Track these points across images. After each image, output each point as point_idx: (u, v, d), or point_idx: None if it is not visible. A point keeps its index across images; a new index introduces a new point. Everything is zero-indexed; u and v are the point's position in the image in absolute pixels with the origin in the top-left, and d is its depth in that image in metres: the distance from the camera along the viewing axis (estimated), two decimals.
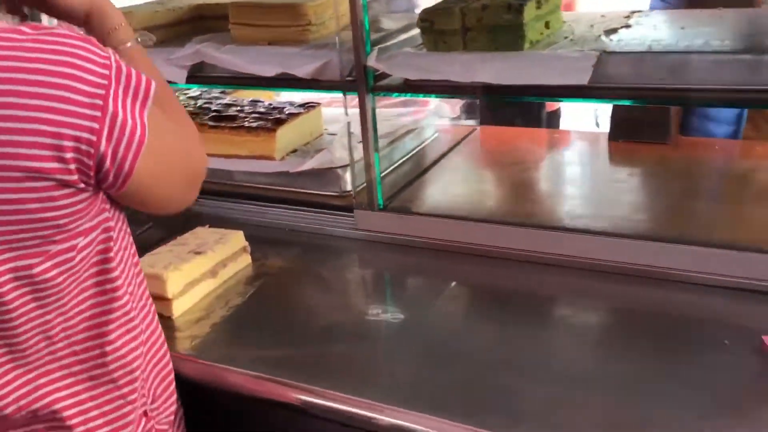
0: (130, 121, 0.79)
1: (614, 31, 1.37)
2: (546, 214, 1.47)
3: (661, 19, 1.45)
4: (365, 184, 1.47)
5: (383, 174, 1.64)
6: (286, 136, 1.67)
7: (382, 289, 1.38)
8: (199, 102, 1.88)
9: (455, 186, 1.68)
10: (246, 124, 1.68)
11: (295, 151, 1.71)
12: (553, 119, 2.68)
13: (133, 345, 0.93)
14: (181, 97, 1.94)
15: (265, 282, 1.36)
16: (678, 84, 1.15)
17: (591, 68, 1.18)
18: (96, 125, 0.77)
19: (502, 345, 1.11)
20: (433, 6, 1.36)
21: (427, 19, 1.34)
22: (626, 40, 1.30)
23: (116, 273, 0.90)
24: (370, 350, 1.14)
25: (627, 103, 1.26)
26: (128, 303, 0.92)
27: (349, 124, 1.45)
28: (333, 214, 1.54)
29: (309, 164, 1.57)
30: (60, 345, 0.88)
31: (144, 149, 0.81)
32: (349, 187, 1.56)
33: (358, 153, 1.46)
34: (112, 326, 0.90)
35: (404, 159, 1.76)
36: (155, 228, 1.56)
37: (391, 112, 1.85)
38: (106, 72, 0.78)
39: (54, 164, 0.76)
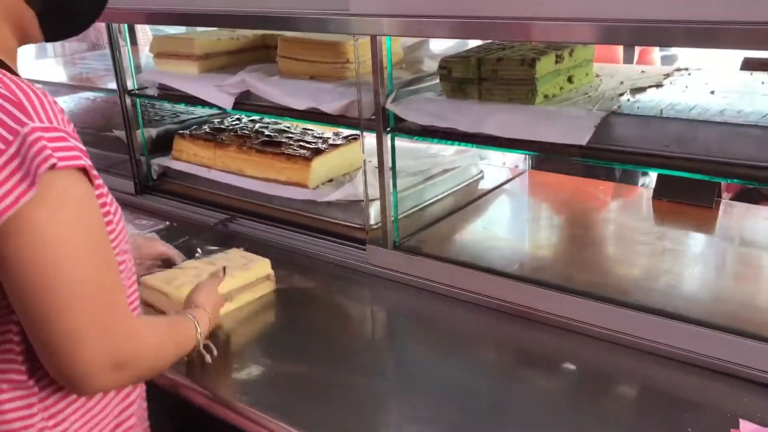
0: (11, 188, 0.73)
1: (642, 90, 1.33)
2: (557, 273, 1.43)
3: (698, 80, 1.39)
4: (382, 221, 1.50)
5: (410, 211, 1.67)
6: (324, 165, 1.74)
7: (377, 334, 1.41)
8: (257, 126, 1.99)
9: (475, 230, 1.68)
10: (288, 151, 1.76)
11: (331, 180, 1.77)
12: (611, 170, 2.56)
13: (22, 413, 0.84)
14: (244, 119, 2.06)
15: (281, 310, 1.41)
16: (678, 153, 1.10)
17: (593, 128, 1.16)
18: None
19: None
20: (453, 54, 1.38)
21: (446, 67, 1.36)
22: (644, 101, 1.26)
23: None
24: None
25: (628, 168, 1.21)
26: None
27: (365, 161, 1.49)
28: (354, 247, 1.58)
29: (334, 195, 1.63)
30: None
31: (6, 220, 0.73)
32: (372, 221, 1.60)
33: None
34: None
35: (439, 197, 1.78)
36: (193, 239, 1.66)
37: (432, 149, 1.87)
38: (10, 138, 0.74)
39: None
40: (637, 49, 2.40)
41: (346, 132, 1.89)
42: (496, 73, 1.30)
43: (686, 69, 1.48)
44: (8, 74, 0.81)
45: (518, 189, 1.93)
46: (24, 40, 0.90)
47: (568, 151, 1.20)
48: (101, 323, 0.78)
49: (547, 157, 2.24)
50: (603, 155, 1.17)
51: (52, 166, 0.73)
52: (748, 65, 1.66)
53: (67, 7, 0.91)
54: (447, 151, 1.87)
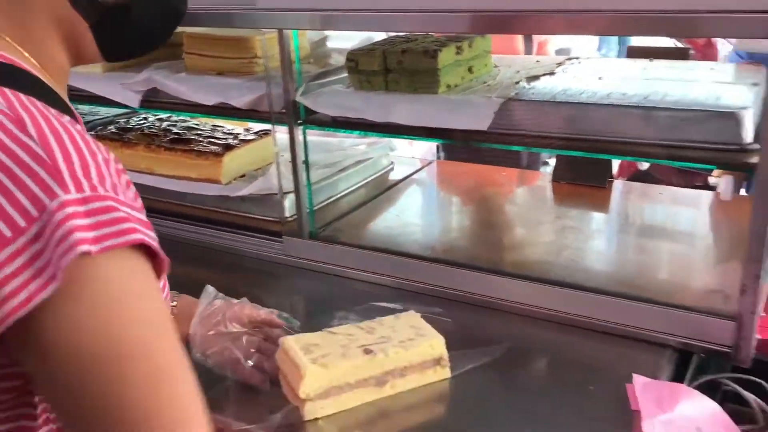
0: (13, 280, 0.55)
1: (536, 78, 1.42)
2: (466, 254, 1.50)
3: (587, 68, 1.49)
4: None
5: (325, 202, 1.71)
6: (235, 161, 1.74)
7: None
8: (164, 124, 1.97)
9: (388, 218, 1.73)
10: (198, 148, 1.76)
11: (243, 176, 1.78)
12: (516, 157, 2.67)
13: None
14: (150, 118, 2.03)
15: None
16: (570, 133, 1.19)
17: (493, 114, 1.23)
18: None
19: None
20: (359, 47, 1.43)
21: (353, 59, 1.40)
22: (539, 88, 1.34)
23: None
24: None
25: (523, 149, 1.30)
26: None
27: (277, 154, 1.52)
28: (271, 240, 1.60)
29: (247, 190, 1.64)
30: None
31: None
32: (288, 213, 1.63)
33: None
34: None
35: (352, 188, 1.82)
36: None
37: (345, 142, 1.91)
38: (36, 214, 0.56)
39: None
40: (536, 42, 2.53)
41: (257, 127, 1.90)
42: (401, 64, 1.36)
43: (577, 58, 1.58)
44: (50, 113, 0.61)
45: (427, 179, 2.00)
46: (78, 59, 0.74)
47: (471, 137, 1.27)
48: None
49: (454, 147, 2.35)
50: (503, 139, 1.25)
51: (86, 253, 0.55)
52: (632, 53, 1.79)
53: (131, 20, 0.75)
54: (359, 144, 1.92)
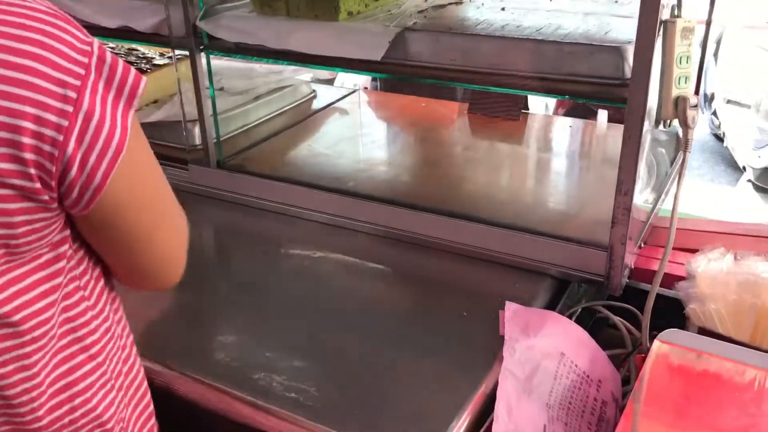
0: (108, 122, 0.62)
1: (442, 7, 1.40)
2: (367, 184, 1.51)
3: None
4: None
5: (237, 131, 1.69)
6: (148, 86, 1.70)
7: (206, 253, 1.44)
8: None
9: (303, 149, 1.73)
10: None
11: (156, 101, 1.75)
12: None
13: (106, 399, 0.76)
14: None
15: None
16: (462, 66, 1.19)
17: (387, 44, 1.22)
18: (65, 122, 0.59)
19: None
20: None
21: None
22: (440, 18, 1.33)
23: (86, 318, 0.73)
24: None
25: (415, 80, 1.30)
26: (102, 351, 0.75)
27: (179, 80, 1.49)
28: (178, 167, 1.58)
29: (156, 116, 1.61)
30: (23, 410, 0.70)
31: (122, 159, 0.64)
32: (198, 141, 1.61)
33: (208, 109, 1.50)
34: (82, 381, 0.73)
35: (268, 116, 1.80)
36: None
37: (264, 68, 1.88)
38: (85, 59, 0.61)
39: (10, 165, 0.59)
40: None
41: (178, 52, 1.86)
42: None
43: None
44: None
45: (349, 108, 1.98)
46: None
47: (368, 67, 1.26)
48: (183, 235, 0.79)
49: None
50: (397, 70, 1.24)
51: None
52: None
53: None
54: (280, 70, 1.89)
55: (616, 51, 1.10)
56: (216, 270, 1.34)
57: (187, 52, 1.43)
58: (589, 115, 2.88)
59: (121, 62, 0.64)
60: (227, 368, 1.02)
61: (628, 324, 1.19)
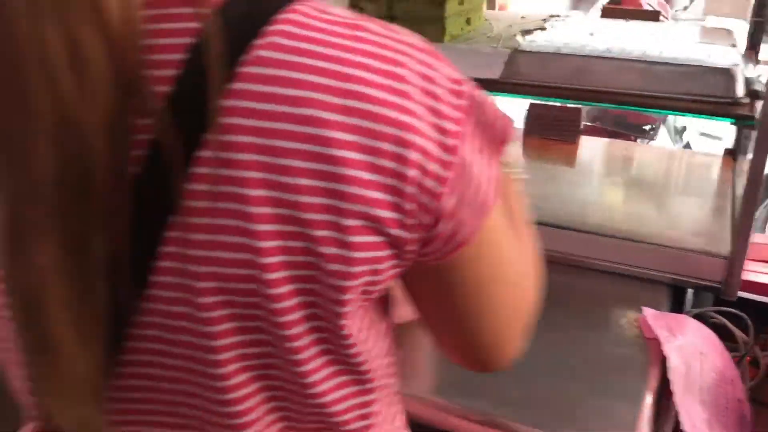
0: (484, 173, 0.54)
1: (530, 32, 1.47)
2: None
3: (574, 24, 1.56)
4: None
5: None
6: None
7: None
8: None
9: None
10: None
11: None
12: None
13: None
14: None
15: None
16: (578, 84, 1.26)
17: (503, 64, 1.28)
18: (446, 173, 0.51)
19: None
20: None
21: (356, 5, 1.40)
22: (539, 41, 1.40)
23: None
24: None
25: (533, 99, 1.36)
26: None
27: None
28: None
29: None
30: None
31: (492, 212, 0.56)
32: None
33: None
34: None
35: None
36: None
37: None
38: (462, 102, 0.52)
39: (391, 214, 0.50)
40: (497, 3, 2.60)
41: None
42: (407, 12, 1.37)
43: (558, 15, 1.65)
44: None
45: None
46: None
47: (483, 86, 1.30)
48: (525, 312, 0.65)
49: None
50: (512, 89, 1.29)
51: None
52: (606, 14, 1.87)
53: None
54: None
55: (728, 73, 1.19)
56: None
57: None
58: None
59: (489, 101, 0.55)
60: None
61: (735, 329, 1.26)
